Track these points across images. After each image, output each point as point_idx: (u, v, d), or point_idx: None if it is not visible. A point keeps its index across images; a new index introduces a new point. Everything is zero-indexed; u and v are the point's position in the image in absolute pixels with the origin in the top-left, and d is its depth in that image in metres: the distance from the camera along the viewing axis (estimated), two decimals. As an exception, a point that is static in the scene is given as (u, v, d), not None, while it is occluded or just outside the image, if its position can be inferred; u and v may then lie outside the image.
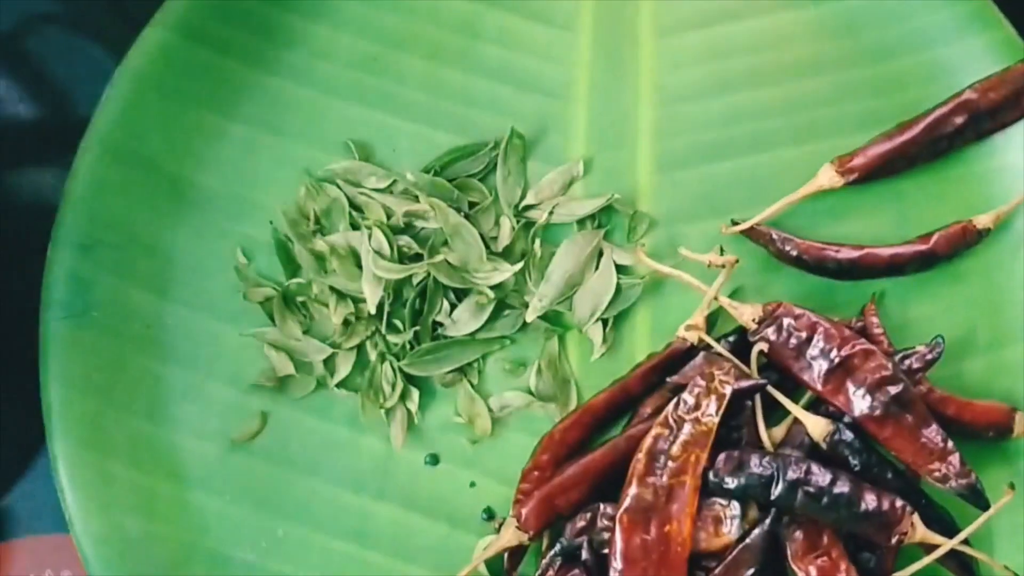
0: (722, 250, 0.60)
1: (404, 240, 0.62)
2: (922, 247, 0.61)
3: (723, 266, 0.59)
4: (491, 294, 0.61)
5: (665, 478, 0.55)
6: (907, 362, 0.58)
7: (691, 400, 0.56)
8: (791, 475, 0.55)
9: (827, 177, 0.62)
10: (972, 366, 0.61)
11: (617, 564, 0.54)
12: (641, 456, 0.55)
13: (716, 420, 0.55)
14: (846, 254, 0.61)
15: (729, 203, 0.63)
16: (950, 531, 0.56)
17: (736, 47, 0.65)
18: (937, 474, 0.56)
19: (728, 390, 0.56)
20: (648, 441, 0.56)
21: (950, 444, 0.56)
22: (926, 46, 0.63)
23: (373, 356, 0.61)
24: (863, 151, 0.62)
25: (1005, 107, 0.62)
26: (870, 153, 0.62)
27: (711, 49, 0.65)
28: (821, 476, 0.55)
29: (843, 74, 0.64)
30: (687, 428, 0.55)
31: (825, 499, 0.55)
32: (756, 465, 0.55)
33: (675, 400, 0.56)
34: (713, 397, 0.56)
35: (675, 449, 0.55)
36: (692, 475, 0.55)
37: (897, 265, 0.61)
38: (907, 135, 0.62)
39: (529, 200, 0.63)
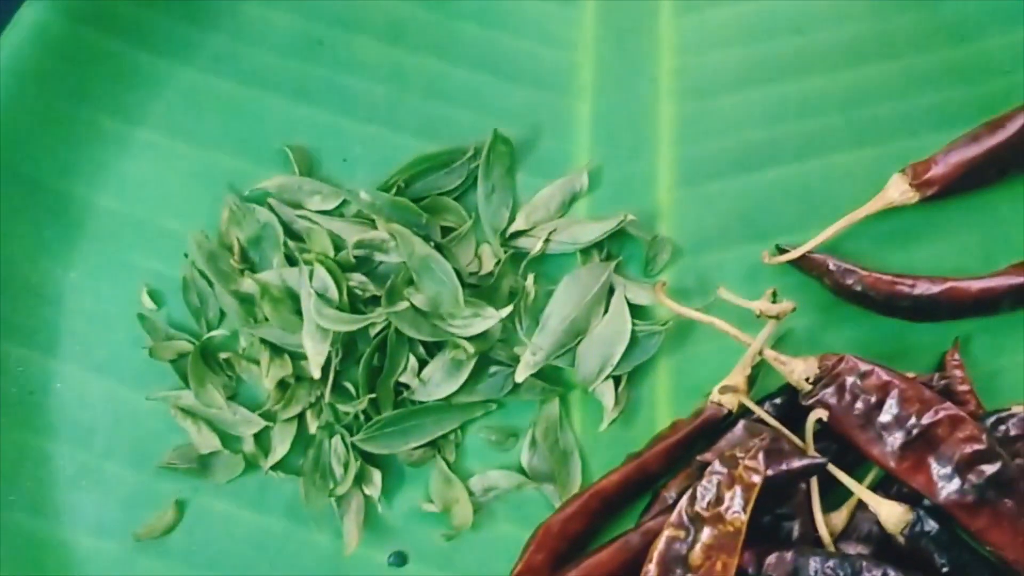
0: (775, 295, 0.56)
1: (357, 279, 0.58)
2: (1018, 279, 0.58)
3: (777, 316, 0.55)
4: (471, 348, 0.57)
5: (684, 594, 0.51)
6: (1002, 428, 0.55)
7: (711, 492, 0.51)
8: (863, 584, 0.51)
9: (898, 190, 0.58)
10: (1086, 432, 0.57)
11: None
12: (652, 567, 0.51)
13: (745, 518, 0.51)
14: (923, 289, 0.57)
15: (772, 224, 0.60)
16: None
17: (778, 24, 0.61)
18: (1049, 577, 0.53)
19: (757, 479, 0.51)
20: (660, 546, 0.51)
21: (1063, 537, 0.53)
22: (1020, 21, 0.60)
23: (317, 429, 0.57)
24: (943, 157, 0.58)
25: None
26: (952, 160, 0.58)
27: (747, 27, 0.61)
28: (901, 585, 0.51)
29: (915, 58, 0.61)
30: (708, 529, 0.51)
31: (907, 616, 0.52)
32: (816, 571, 0.51)
33: (690, 492, 0.52)
34: (738, 488, 0.51)
35: (695, 556, 0.51)
36: (719, 588, 0.51)
37: (987, 301, 0.57)
38: (998, 137, 0.58)
39: (519, 224, 0.60)
